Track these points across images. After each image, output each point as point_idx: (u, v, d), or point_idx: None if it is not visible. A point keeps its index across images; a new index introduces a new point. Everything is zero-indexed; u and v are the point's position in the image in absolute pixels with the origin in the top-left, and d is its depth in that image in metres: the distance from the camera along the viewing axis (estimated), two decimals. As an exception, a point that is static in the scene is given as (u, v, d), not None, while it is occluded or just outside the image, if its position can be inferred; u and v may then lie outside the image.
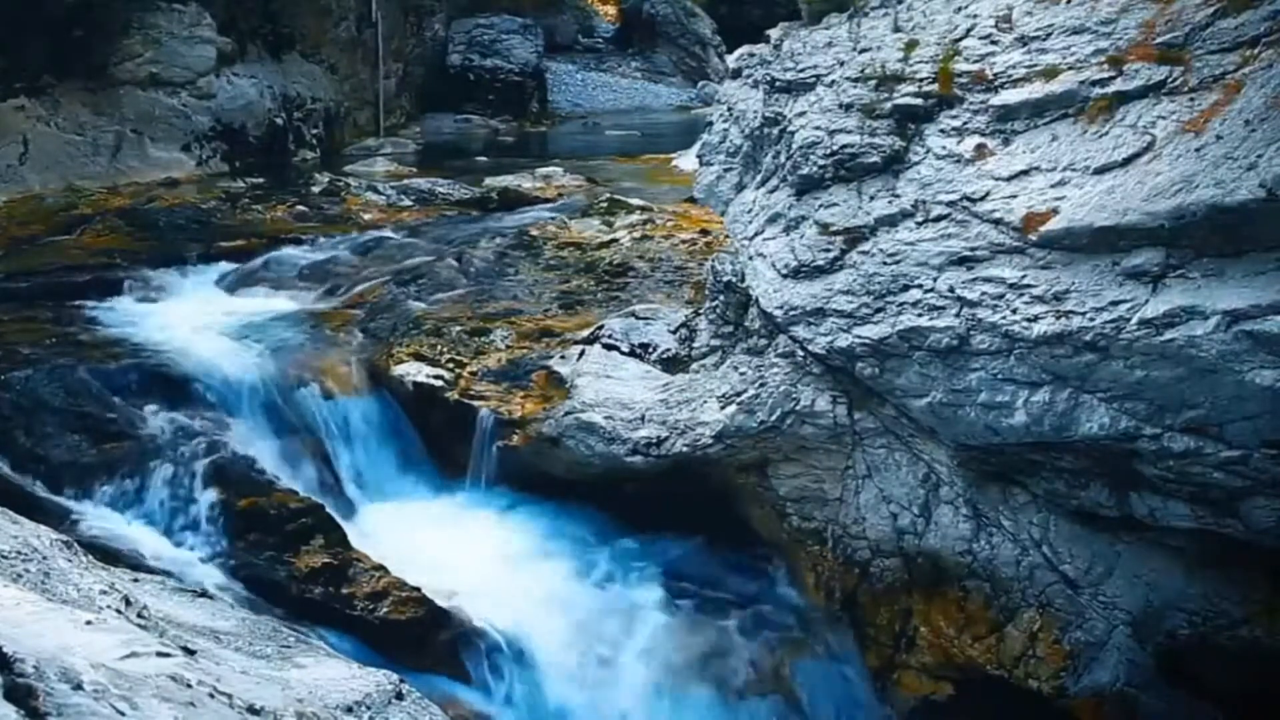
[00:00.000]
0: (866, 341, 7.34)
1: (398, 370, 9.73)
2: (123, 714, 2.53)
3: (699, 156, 9.99)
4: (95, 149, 15.64)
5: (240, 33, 17.60)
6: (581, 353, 9.55)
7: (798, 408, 7.99)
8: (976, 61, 7.56)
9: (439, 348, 9.95)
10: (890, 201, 7.48)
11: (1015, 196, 6.93)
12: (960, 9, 7.92)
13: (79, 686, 2.57)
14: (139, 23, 15.98)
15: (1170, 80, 6.66)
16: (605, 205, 13.93)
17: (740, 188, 9.02)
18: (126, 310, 11.00)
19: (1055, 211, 6.69)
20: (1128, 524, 7.08)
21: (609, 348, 9.55)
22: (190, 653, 3.34)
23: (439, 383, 9.57)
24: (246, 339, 10.38)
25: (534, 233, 12.80)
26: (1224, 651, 7.02)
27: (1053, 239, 6.65)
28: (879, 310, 7.30)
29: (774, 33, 9.28)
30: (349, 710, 3.50)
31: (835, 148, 7.77)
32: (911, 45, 7.90)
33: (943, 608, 7.76)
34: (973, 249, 7.00)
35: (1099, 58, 7.06)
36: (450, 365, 9.73)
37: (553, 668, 7.96)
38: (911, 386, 7.28)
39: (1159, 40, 6.84)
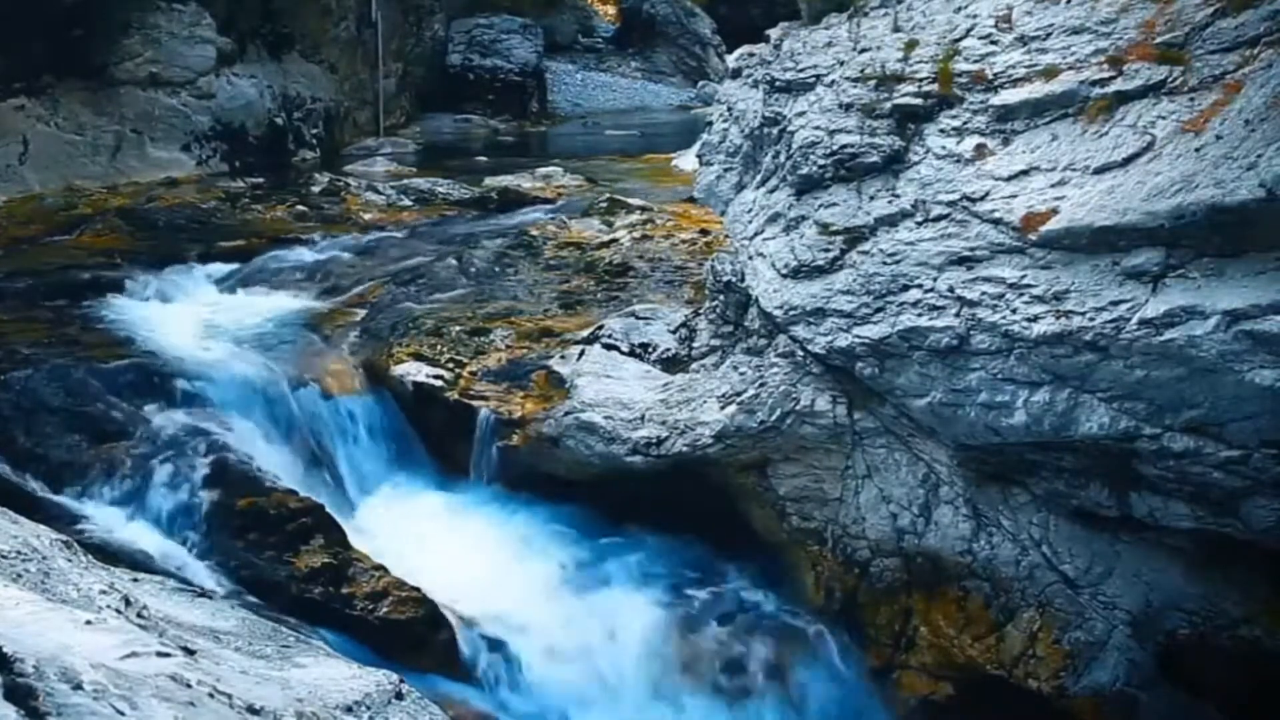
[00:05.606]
0: (866, 341, 7.34)
1: (398, 370, 9.73)
2: (123, 714, 2.53)
3: (699, 156, 9.99)
4: (95, 149, 15.63)
5: (240, 33, 17.59)
6: (581, 353, 9.55)
7: (798, 408, 7.99)
8: (976, 61, 7.56)
9: (439, 348, 9.95)
10: (890, 201, 7.48)
11: (1015, 196, 6.92)
12: (960, 9, 7.92)
13: (79, 686, 2.57)
14: (139, 23, 15.97)
15: (1170, 80, 6.66)
16: (605, 205, 13.91)
17: (740, 188, 9.02)
18: (126, 310, 10.99)
19: (1055, 211, 6.69)
20: (1128, 524, 7.08)
21: (609, 348, 9.55)
22: (190, 653, 3.34)
23: (439, 383, 9.57)
24: (246, 339, 10.37)
25: (534, 233, 12.79)
26: (1224, 651, 7.02)
27: (1053, 239, 6.66)
28: (879, 310, 7.30)
29: (774, 33, 9.28)
30: (349, 710, 3.50)
31: (835, 147, 7.77)
32: (911, 45, 7.90)
33: (943, 608, 7.76)
34: (972, 249, 7.00)
35: (1099, 57, 7.06)
36: (450, 365, 9.72)
37: (552, 668, 7.96)
38: (911, 386, 7.28)
39: (1159, 40, 6.84)
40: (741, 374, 8.37)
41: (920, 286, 7.15)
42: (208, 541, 8.24)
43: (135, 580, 4.73)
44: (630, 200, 14.21)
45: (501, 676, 7.91)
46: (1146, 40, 6.90)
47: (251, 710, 2.96)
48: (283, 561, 8.12)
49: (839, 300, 7.49)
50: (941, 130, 7.47)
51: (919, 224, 7.29)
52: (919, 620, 7.82)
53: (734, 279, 8.88)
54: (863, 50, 8.12)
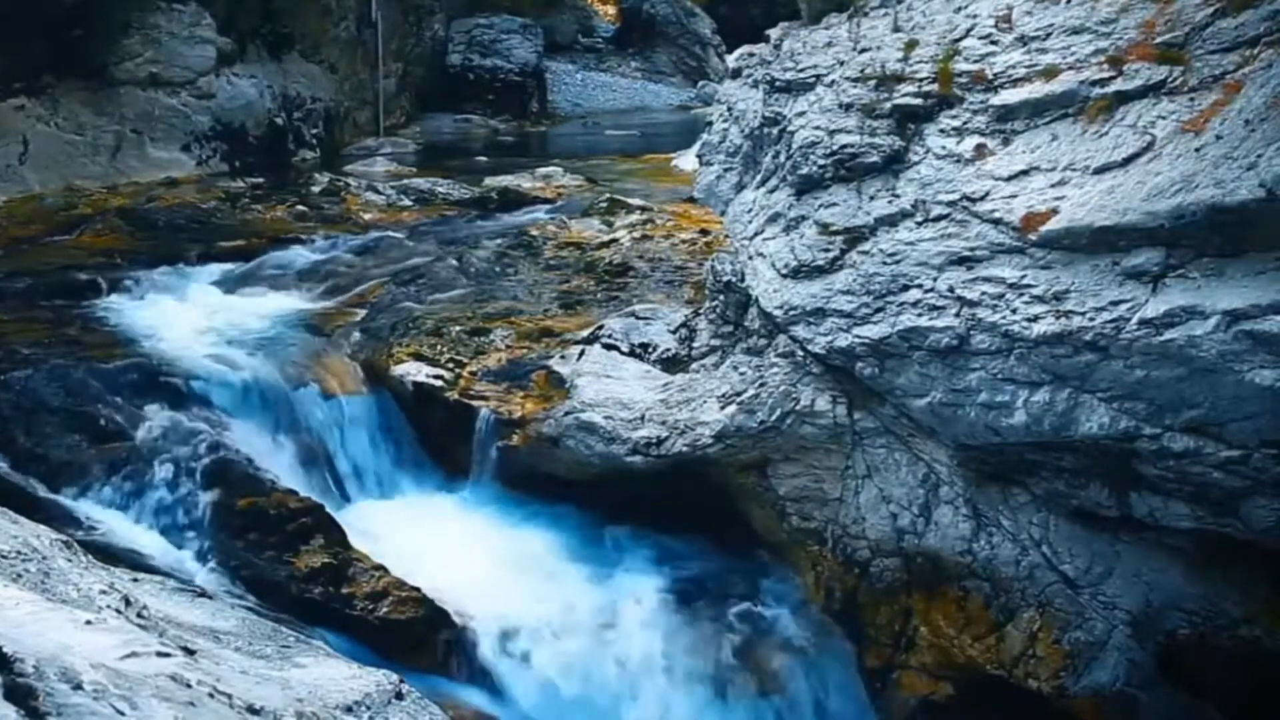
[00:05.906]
0: (866, 341, 7.34)
1: (397, 370, 9.73)
2: (123, 714, 2.53)
3: (699, 156, 9.99)
4: (95, 149, 15.64)
5: (240, 33, 17.59)
6: (581, 353, 9.55)
7: (798, 408, 7.99)
8: (976, 61, 7.56)
9: (439, 348, 9.95)
10: (890, 201, 7.48)
11: (1015, 196, 6.93)
12: (960, 9, 7.92)
13: (79, 686, 2.57)
14: (139, 23, 15.98)
15: (1170, 80, 6.66)
16: (605, 205, 13.92)
17: (740, 188, 9.02)
18: (126, 310, 10.99)
19: (1055, 211, 6.69)
20: (1128, 524, 7.08)
21: (609, 348, 9.55)
22: (190, 653, 3.34)
23: (439, 383, 9.57)
24: (246, 339, 10.37)
25: (534, 233, 12.80)
26: (1224, 651, 7.02)
27: (1052, 239, 6.66)
28: (879, 310, 7.30)
29: (774, 33, 9.28)
30: (349, 710, 3.50)
31: (835, 147, 7.77)
32: (911, 45, 7.90)
33: (943, 608, 7.76)
34: (972, 249, 7.00)
35: (1099, 57, 7.06)
36: (450, 365, 9.72)
37: (552, 667, 7.96)
38: (911, 386, 7.28)
39: (1159, 40, 6.84)
40: (741, 374, 8.37)
41: (920, 286, 7.15)
42: (208, 541, 8.24)
43: (135, 580, 4.74)
44: (630, 200, 14.21)
45: (501, 677, 7.92)
46: (1146, 40, 6.90)
47: (251, 710, 2.96)
48: (283, 561, 8.13)
49: (839, 300, 7.49)
50: (941, 130, 7.48)
51: (919, 224, 7.29)
52: (919, 620, 7.82)
53: (734, 279, 8.88)
54: (863, 50, 8.12)
